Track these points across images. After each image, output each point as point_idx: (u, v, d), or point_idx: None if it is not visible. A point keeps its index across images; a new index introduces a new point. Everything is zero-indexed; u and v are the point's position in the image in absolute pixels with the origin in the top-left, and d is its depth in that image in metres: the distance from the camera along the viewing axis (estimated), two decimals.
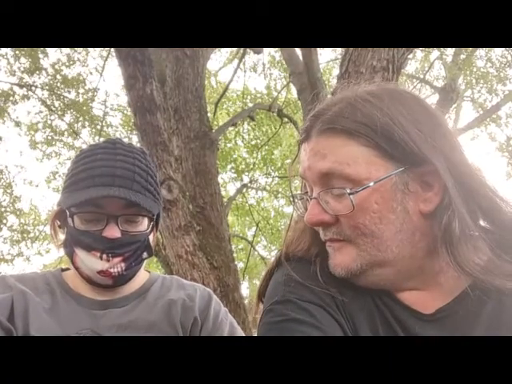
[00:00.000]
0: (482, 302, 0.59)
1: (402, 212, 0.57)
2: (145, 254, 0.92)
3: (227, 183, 9.15)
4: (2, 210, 7.05)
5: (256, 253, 9.28)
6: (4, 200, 7.08)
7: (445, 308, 0.60)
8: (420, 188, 0.58)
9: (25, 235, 7.46)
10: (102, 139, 6.03)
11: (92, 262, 0.86)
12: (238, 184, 8.87)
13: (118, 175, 0.86)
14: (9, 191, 7.09)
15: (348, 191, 0.57)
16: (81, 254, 0.87)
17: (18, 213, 7.34)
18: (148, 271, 1.03)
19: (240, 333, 1.00)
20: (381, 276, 0.60)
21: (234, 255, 4.00)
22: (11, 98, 6.31)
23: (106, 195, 0.84)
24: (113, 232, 0.85)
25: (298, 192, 0.68)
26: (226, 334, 0.95)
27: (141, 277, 0.97)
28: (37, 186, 7.94)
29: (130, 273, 0.90)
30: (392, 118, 0.57)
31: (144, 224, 0.91)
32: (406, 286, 0.62)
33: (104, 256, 0.86)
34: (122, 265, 0.88)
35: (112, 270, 0.87)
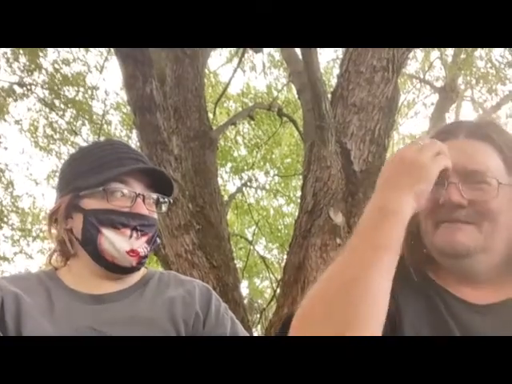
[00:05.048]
0: None
1: None
2: (158, 239, 0.95)
3: (227, 182, 9.15)
4: (2, 208, 7.04)
5: (255, 252, 9.27)
6: (5, 199, 7.08)
7: (500, 303, 0.65)
8: None
9: (25, 233, 7.46)
10: (101, 138, 6.04)
11: (121, 241, 0.87)
12: (238, 182, 8.87)
13: (140, 159, 0.93)
14: (9, 190, 7.09)
15: (497, 181, 0.64)
16: (109, 234, 0.87)
17: (19, 211, 7.33)
18: (145, 267, 1.02)
19: (240, 327, 1.00)
20: (475, 264, 0.66)
21: (234, 254, 4.00)
22: (11, 97, 6.30)
23: (144, 168, 0.90)
24: (143, 208, 0.88)
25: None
26: (228, 329, 0.96)
27: (139, 271, 0.96)
28: (37, 183, 7.92)
29: (148, 256, 0.92)
30: None
31: (154, 208, 0.94)
32: (480, 279, 0.67)
33: (134, 233, 0.87)
34: (147, 245, 0.90)
35: (140, 250, 0.88)
